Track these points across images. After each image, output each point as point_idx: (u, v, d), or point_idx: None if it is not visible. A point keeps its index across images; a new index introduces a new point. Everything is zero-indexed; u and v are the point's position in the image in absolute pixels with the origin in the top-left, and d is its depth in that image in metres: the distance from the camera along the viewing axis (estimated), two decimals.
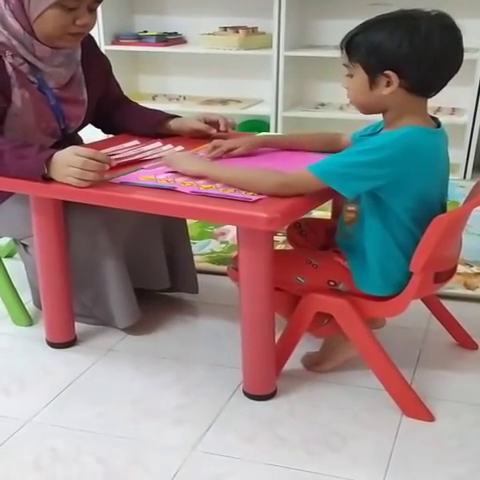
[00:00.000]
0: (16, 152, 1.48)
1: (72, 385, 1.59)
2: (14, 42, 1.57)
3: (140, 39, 3.48)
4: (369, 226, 1.38)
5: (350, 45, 1.31)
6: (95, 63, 1.78)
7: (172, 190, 1.38)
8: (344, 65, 1.34)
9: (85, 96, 1.74)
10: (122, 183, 1.43)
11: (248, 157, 1.59)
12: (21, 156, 1.47)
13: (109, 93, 1.86)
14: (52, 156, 1.44)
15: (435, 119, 1.39)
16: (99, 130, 1.96)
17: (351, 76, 1.33)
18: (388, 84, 1.28)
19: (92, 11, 1.59)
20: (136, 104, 1.94)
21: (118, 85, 1.92)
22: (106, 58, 1.87)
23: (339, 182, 1.30)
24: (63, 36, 1.57)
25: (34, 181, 1.45)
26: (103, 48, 3.41)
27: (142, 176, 1.45)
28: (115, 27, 3.51)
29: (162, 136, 1.77)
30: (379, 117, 1.41)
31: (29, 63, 1.60)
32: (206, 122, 1.78)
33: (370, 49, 1.27)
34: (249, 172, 1.40)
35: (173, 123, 1.80)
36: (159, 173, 1.47)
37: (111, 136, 1.91)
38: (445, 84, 1.32)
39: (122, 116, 1.87)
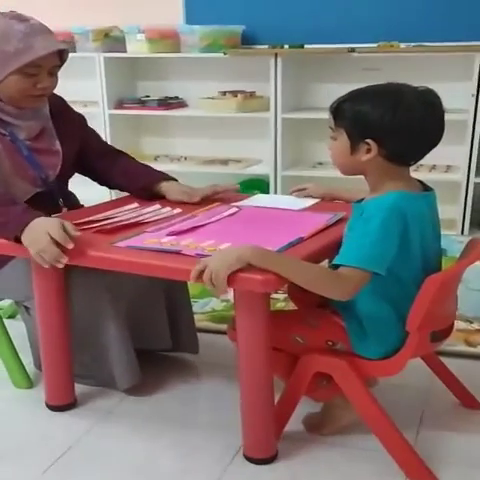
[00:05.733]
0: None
1: (71, 450, 1.57)
2: None
3: (143, 103, 3.59)
4: (363, 291, 1.35)
5: (337, 111, 1.38)
6: (67, 118, 1.84)
7: (177, 253, 1.39)
8: (330, 128, 1.41)
9: (58, 147, 1.78)
10: (128, 247, 1.44)
11: (237, 222, 1.62)
12: (3, 213, 1.54)
13: (89, 146, 1.90)
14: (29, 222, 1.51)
15: (422, 183, 1.43)
16: (98, 187, 2.01)
17: (335, 139, 1.40)
18: (368, 151, 1.35)
19: (53, 75, 1.68)
20: (126, 159, 1.96)
21: (99, 137, 1.98)
22: (79, 114, 1.93)
23: (376, 264, 1.30)
24: (25, 98, 1.66)
25: (8, 240, 1.52)
26: (107, 112, 3.53)
27: (146, 239, 1.47)
28: (118, 92, 3.62)
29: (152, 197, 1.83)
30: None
31: None
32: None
33: (355, 118, 1.34)
34: (313, 274, 1.33)
35: (163, 187, 1.82)
36: (162, 236, 1.50)
37: (114, 197, 1.95)
38: (423, 156, 1.38)
39: (111, 171, 1.90)
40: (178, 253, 1.40)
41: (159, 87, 3.68)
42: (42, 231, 1.47)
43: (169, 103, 3.59)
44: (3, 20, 1.62)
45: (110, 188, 2.01)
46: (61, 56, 1.70)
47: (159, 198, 1.82)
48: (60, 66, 1.70)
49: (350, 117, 1.35)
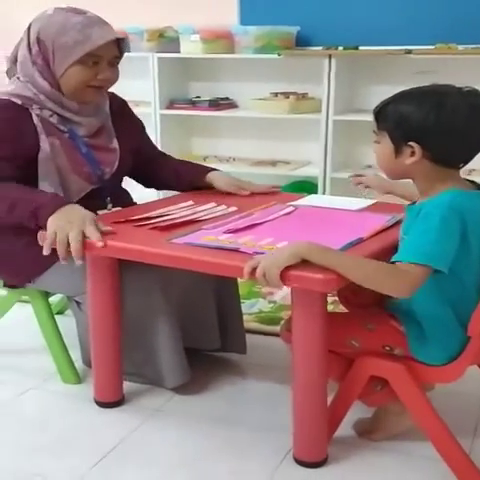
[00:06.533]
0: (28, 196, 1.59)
1: (119, 446, 1.57)
2: (42, 97, 1.69)
3: (193, 104, 3.61)
4: (423, 293, 1.31)
5: (380, 114, 1.35)
6: (127, 119, 1.90)
7: (235, 251, 1.38)
8: (373, 131, 1.38)
9: (116, 145, 1.82)
10: (186, 244, 1.44)
11: (300, 222, 1.60)
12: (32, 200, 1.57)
13: (142, 151, 1.95)
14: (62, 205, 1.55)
15: (474, 183, 1.38)
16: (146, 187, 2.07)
17: (378, 142, 1.36)
18: (412, 154, 1.31)
19: (113, 66, 1.72)
20: (173, 160, 2.03)
21: (152, 144, 2.04)
22: (139, 119, 2.00)
23: (438, 260, 1.26)
24: (85, 89, 1.70)
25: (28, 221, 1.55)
26: (158, 112, 3.56)
27: (204, 237, 1.46)
28: (170, 93, 3.65)
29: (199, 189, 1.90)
30: None
31: (58, 114, 1.71)
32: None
33: (397, 120, 1.30)
34: (370, 270, 1.28)
35: (209, 177, 1.89)
36: (219, 233, 1.48)
37: (162, 197, 1.98)
38: (471, 158, 1.33)
39: (161, 173, 1.97)
40: (236, 251, 1.38)
41: (211, 88, 3.69)
42: (78, 218, 1.51)
43: (219, 104, 3.60)
44: (61, 14, 1.68)
45: (158, 189, 2.07)
46: (120, 47, 1.72)
47: (206, 189, 1.89)
48: (120, 57, 1.73)
49: (392, 120, 1.31)
